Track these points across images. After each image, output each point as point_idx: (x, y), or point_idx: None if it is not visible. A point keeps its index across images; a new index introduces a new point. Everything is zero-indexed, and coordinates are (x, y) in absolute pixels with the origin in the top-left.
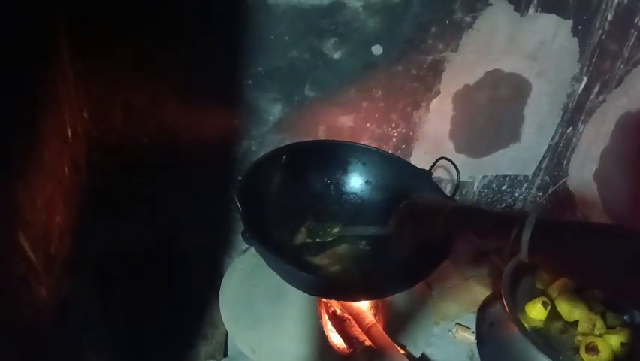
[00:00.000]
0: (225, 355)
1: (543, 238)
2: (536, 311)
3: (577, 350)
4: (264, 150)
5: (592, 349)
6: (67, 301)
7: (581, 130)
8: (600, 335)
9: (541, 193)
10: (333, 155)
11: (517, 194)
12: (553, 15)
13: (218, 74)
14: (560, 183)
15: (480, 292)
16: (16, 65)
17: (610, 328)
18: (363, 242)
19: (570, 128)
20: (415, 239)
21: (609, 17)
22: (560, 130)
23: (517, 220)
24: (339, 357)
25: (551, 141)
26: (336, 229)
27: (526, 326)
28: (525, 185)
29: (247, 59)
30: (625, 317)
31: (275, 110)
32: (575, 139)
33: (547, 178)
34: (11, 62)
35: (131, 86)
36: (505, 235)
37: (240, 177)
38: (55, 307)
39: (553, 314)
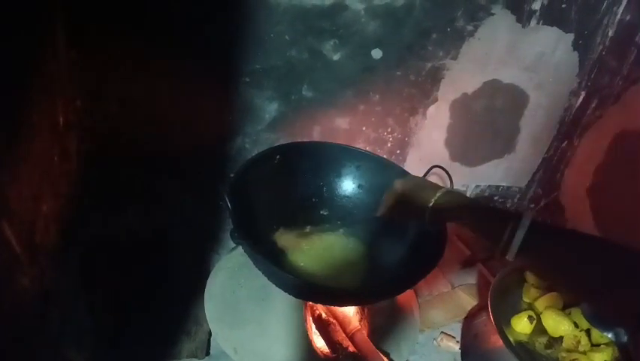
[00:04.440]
0: (207, 353)
1: (535, 239)
2: (522, 325)
3: None
4: (257, 149)
5: None
6: (50, 292)
7: (576, 144)
8: (584, 352)
9: (532, 205)
10: (328, 157)
11: (509, 205)
12: (554, 28)
13: (214, 70)
14: (552, 196)
15: (466, 301)
16: (9, 54)
17: (595, 345)
18: (352, 246)
19: (565, 142)
20: (405, 222)
21: (610, 33)
22: (555, 143)
23: (512, 218)
24: None
25: (546, 153)
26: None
27: (511, 339)
28: (517, 196)
29: (245, 56)
30: (610, 335)
31: (271, 109)
32: (569, 153)
33: (539, 191)
34: (4, 50)
35: (126, 77)
36: (496, 231)
37: (232, 175)
38: (38, 298)
39: (539, 329)
